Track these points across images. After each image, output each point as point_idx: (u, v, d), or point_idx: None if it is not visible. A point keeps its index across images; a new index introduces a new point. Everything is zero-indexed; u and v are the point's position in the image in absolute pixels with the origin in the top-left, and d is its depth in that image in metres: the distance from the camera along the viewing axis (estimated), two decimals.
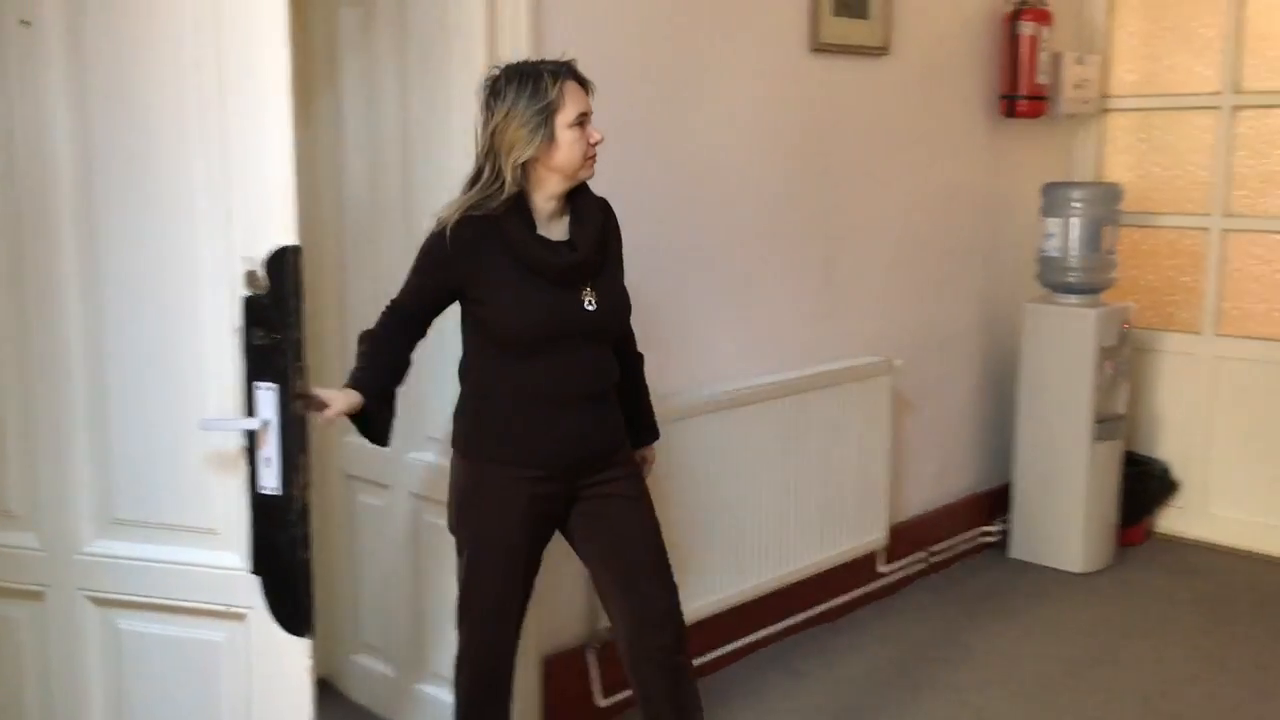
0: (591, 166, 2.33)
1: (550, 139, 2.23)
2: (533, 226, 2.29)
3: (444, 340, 2.44)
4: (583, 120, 2.27)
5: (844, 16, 3.55)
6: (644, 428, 2.61)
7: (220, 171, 2.07)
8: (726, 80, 3.31)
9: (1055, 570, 4.24)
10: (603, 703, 3.12)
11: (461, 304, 2.34)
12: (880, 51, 3.71)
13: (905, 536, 4.08)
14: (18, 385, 2.21)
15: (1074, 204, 4.13)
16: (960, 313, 4.29)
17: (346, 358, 2.50)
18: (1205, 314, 4.46)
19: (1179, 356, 4.54)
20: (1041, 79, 4.19)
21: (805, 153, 3.58)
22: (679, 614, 2.50)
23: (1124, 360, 4.26)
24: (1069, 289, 4.21)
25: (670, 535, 3.08)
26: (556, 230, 2.33)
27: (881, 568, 3.97)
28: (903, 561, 4.07)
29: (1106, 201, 4.18)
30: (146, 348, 2.16)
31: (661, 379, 3.21)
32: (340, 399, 2.22)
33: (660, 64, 3.14)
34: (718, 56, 3.28)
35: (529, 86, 2.23)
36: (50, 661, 2.29)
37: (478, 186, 2.26)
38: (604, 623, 3.06)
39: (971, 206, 4.26)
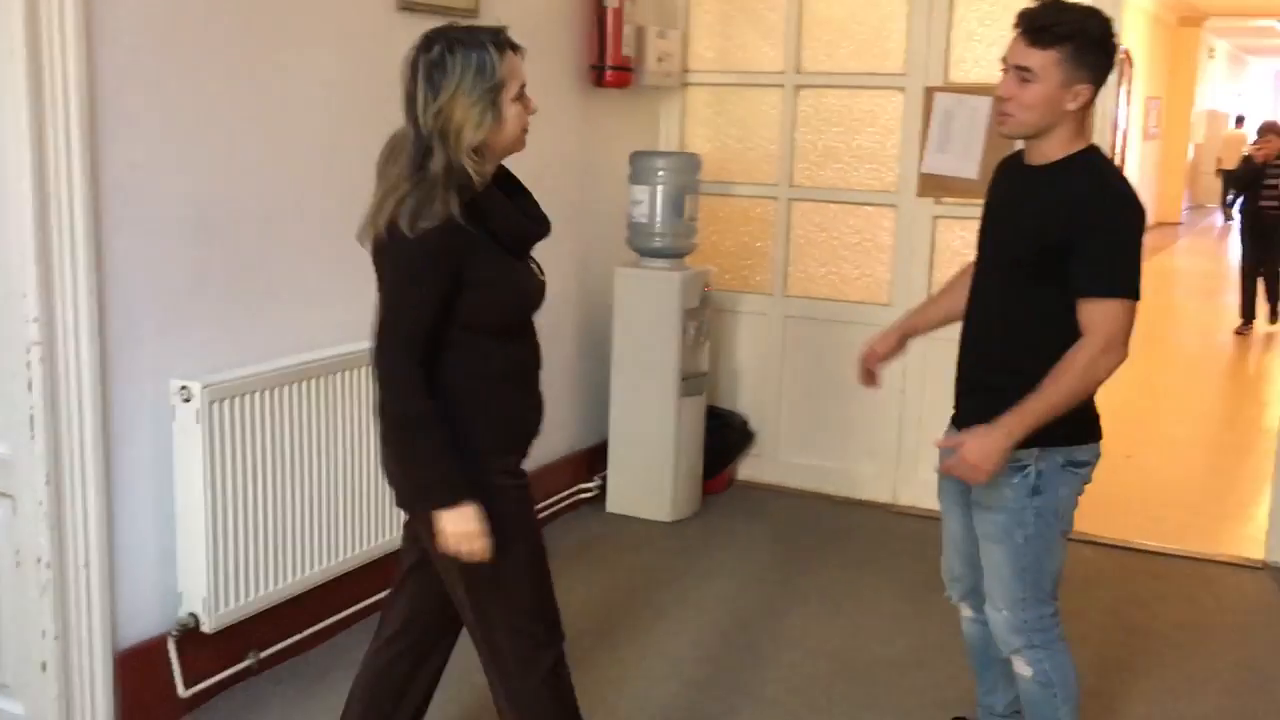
0: (524, 138, 2.19)
1: (498, 118, 2.09)
2: (508, 201, 2.18)
3: None
4: (521, 92, 2.13)
5: None
6: None
7: None
8: (309, 41, 3.17)
9: (648, 521, 4.48)
10: (185, 693, 2.95)
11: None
12: (470, 13, 3.70)
13: None
14: None
15: (658, 172, 4.35)
16: (555, 277, 4.31)
17: None
18: (775, 277, 4.85)
19: (754, 316, 4.91)
20: (627, 51, 4.36)
21: (394, 117, 3.47)
22: None
23: (705, 320, 4.55)
24: (655, 253, 4.43)
25: (258, 508, 2.98)
26: None
27: None
28: None
29: (687, 171, 4.43)
30: None
31: (254, 347, 3.07)
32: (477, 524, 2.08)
33: (234, 26, 2.95)
34: (298, 17, 3.13)
35: (473, 60, 2.05)
36: None
37: (439, 175, 2.04)
38: (185, 608, 2.91)
39: (564, 173, 4.37)
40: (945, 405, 2.66)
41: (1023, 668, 2.56)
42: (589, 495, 4.65)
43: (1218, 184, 18.07)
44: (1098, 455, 2.50)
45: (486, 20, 3.75)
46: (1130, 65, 14.44)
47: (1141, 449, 5.78)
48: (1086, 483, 2.50)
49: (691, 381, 4.48)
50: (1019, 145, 2.50)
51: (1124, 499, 5.00)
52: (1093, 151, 2.40)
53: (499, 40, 2.11)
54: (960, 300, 2.62)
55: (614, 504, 4.58)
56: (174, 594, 2.93)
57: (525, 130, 2.19)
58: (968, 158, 4.39)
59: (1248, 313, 9.39)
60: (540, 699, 2.32)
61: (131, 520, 2.83)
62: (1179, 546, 4.42)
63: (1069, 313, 2.32)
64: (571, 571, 4.00)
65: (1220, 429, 6.37)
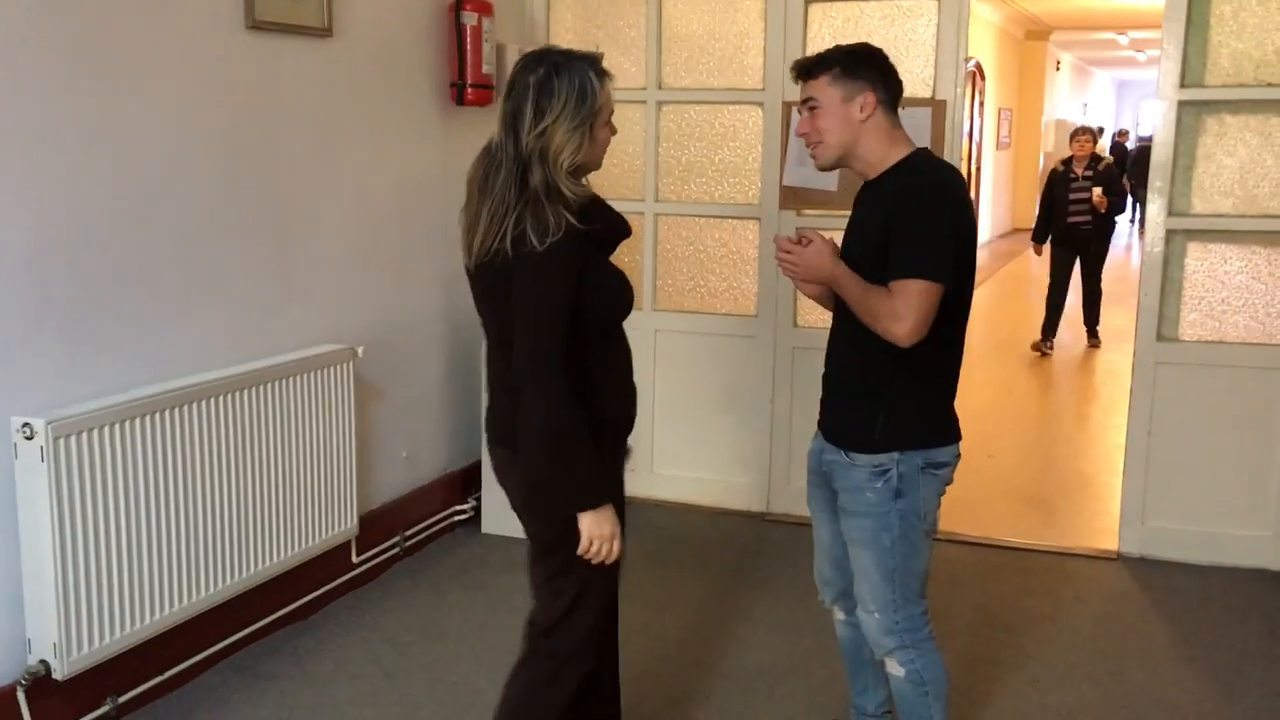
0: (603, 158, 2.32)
1: (592, 141, 2.20)
2: (607, 206, 2.32)
3: None
4: (609, 117, 2.26)
5: None
6: None
7: None
8: (155, 62, 3.07)
9: (523, 541, 4.39)
10: None
11: None
12: (324, 33, 3.63)
13: (379, 523, 4.07)
14: None
15: None
16: (423, 297, 4.34)
17: None
18: (644, 291, 4.87)
19: (627, 331, 4.90)
20: (488, 69, 4.33)
21: (246, 137, 3.42)
22: None
23: None
24: None
25: (110, 548, 2.86)
26: None
27: (355, 558, 3.93)
28: (376, 549, 4.06)
29: None
30: None
31: (102, 379, 2.95)
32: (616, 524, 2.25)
33: (75, 42, 2.84)
34: (143, 37, 3.03)
35: (576, 85, 2.16)
36: None
37: (540, 192, 2.13)
38: (34, 655, 2.77)
39: (428, 192, 4.32)
40: (814, 414, 2.70)
41: (895, 668, 2.61)
42: (464, 517, 4.59)
43: None
44: (957, 456, 2.57)
45: (341, 39, 3.72)
46: (982, 78, 14.99)
47: (1003, 450, 5.98)
48: (948, 484, 2.57)
49: None
50: None
51: (987, 498, 5.17)
52: (917, 154, 2.50)
53: (598, 68, 2.21)
54: None
55: (489, 524, 4.53)
56: (22, 641, 2.79)
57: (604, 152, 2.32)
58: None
59: (1051, 330, 8.69)
60: (560, 697, 2.40)
61: None
62: (1040, 542, 4.57)
63: None
64: (449, 594, 3.95)
65: (1074, 428, 6.62)
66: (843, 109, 2.44)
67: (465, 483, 4.62)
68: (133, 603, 2.95)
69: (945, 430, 2.55)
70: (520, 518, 2.42)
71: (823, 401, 2.65)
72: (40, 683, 2.79)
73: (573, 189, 2.16)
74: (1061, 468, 5.77)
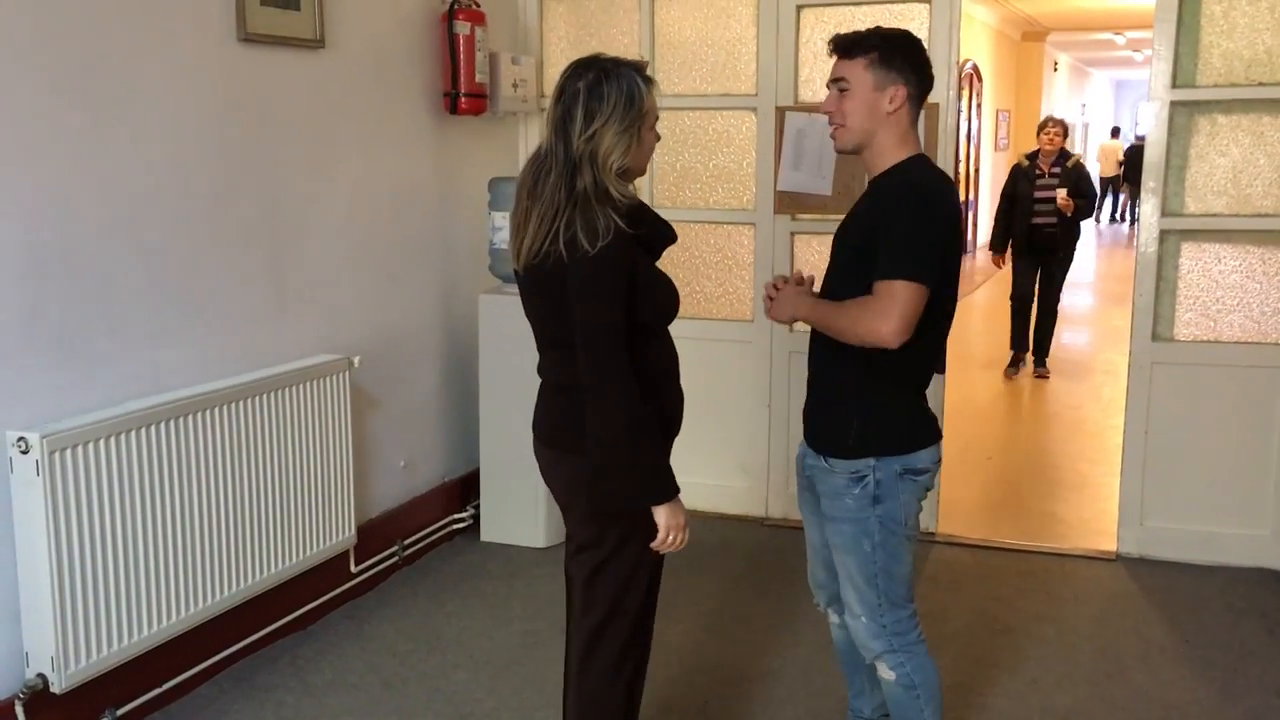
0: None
1: (640, 145, 2.25)
2: (652, 210, 2.38)
3: None
4: (654, 122, 2.30)
5: (273, 7, 3.43)
6: None
7: None
8: (146, 73, 3.08)
9: (522, 548, 4.44)
10: None
11: None
12: (316, 44, 3.65)
13: (377, 533, 4.08)
14: None
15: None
16: (419, 306, 4.35)
17: None
18: None
19: None
20: (480, 77, 4.34)
21: (241, 148, 3.43)
22: None
23: None
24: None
25: (107, 561, 2.86)
26: None
27: (354, 567, 3.93)
28: (375, 558, 4.06)
29: None
30: None
31: (98, 392, 2.96)
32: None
33: (67, 56, 2.85)
34: (136, 50, 3.04)
35: (624, 90, 2.21)
36: None
37: (589, 194, 2.18)
38: (32, 669, 2.78)
39: (422, 201, 4.33)
40: None
41: (886, 672, 2.61)
42: (462, 525, 4.59)
43: None
44: (937, 460, 2.57)
45: (334, 51, 3.73)
46: (979, 80, 15.00)
47: (1001, 451, 5.99)
48: (929, 488, 2.57)
49: None
50: None
51: (985, 500, 5.17)
52: (915, 159, 2.50)
53: (644, 74, 2.28)
54: None
55: (488, 533, 4.54)
56: (19, 654, 2.80)
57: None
58: (821, 175, 4.49)
59: (1020, 344, 7.94)
60: (614, 700, 2.44)
61: None
62: (1038, 543, 4.57)
63: None
64: (448, 603, 3.95)
65: (1072, 429, 6.62)
66: (873, 96, 2.43)
67: (464, 491, 4.63)
68: (130, 615, 2.96)
69: (922, 434, 2.53)
70: (565, 516, 2.47)
71: (805, 405, 2.67)
72: (38, 696, 2.79)
73: (621, 191, 2.22)
74: (1060, 468, 5.76)
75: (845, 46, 2.46)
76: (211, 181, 3.34)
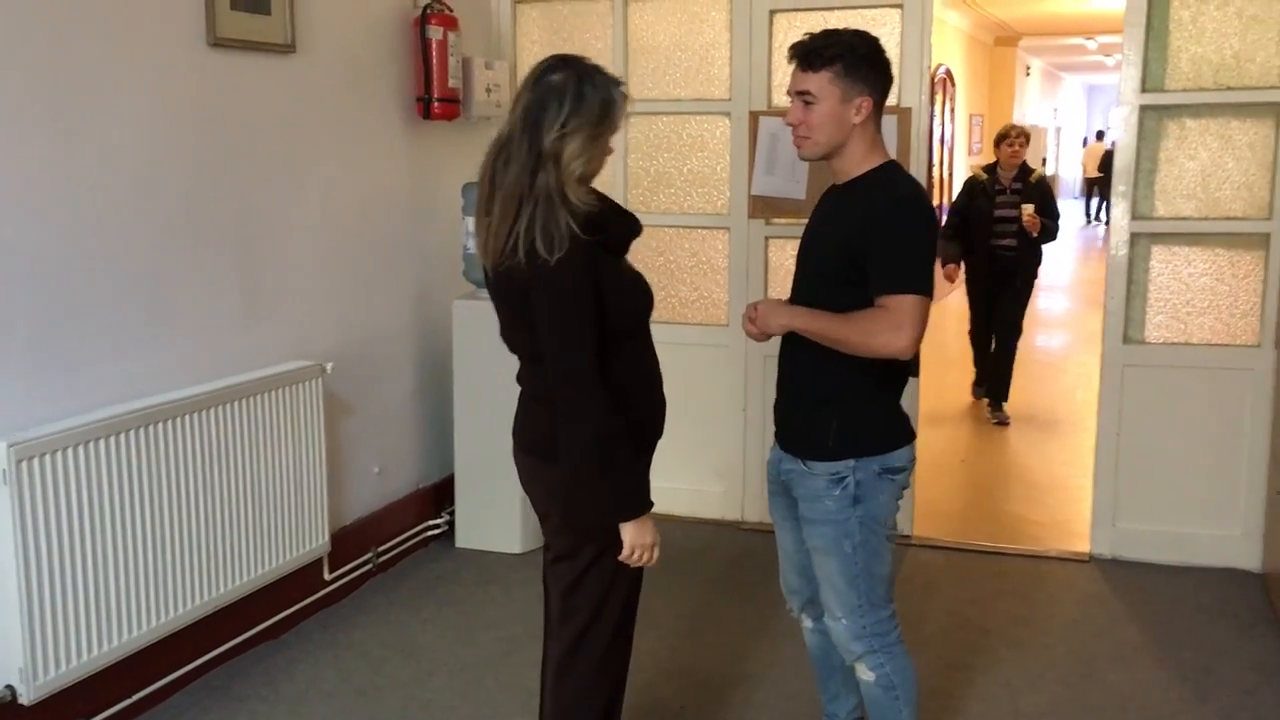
0: None
1: (602, 154, 2.22)
2: (616, 207, 2.34)
3: None
4: (613, 135, 2.27)
5: (243, 11, 3.41)
6: None
7: None
8: (115, 78, 3.06)
9: (498, 554, 4.43)
10: None
11: None
12: (287, 49, 3.63)
13: (351, 539, 4.06)
14: None
15: None
16: (393, 312, 4.33)
17: None
18: None
19: None
20: (453, 82, 4.33)
21: (212, 153, 3.41)
22: None
23: None
24: None
25: (77, 570, 2.83)
26: None
27: (328, 575, 3.91)
28: (349, 565, 4.04)
29: None
30: None
31: (67, 400, 2.93)
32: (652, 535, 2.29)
33: (34, 62, 2.83)
34: (103, 52, 3.02)
35: (601, 99, 2.17)
36: None
37: (548, 194, 2.12)
38: (1, 681, 2.74)
39: (395, 207, 4.31)
40: None
41: (865, 673, 2.61)
42: (437, 532, 4.58)
43: None
44: (912, 459, 2.58)
45: (305, 56, 3.71)
46: (952, 84, 15.08)
47: (975, 454, 6.01)
48: (905, 487, 2.59)
49: None
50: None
51: (959, 503, 5.19)
52: (888, 166, 2.50)
53: (622, 89, 2.24)
54: None
55: (463, 539, 4.52)
56: None
57: None
58: (794, 179, 4.50)
59: (984, 371, 7.10)
60: (591, 711, 2.43)
61: None
62: (1012, 545, 4.59)
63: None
64: (423, 610, 3.93)
65: (1045, 432, 6.65)
66: (840, 109, 2.42)
67: (438, 497, 4.61)
68: (100, 625, 2.93)
69: (899, 434, 2.56)
70: (543, 524, 2.46)
71: (777, 410, 2.67)
72: (7, 708, 2.76)
73: (578, 196, 2.16)
74: (1033, 470, 5.79)
75: (807, 57, 2.42)
76: (182, 187, 3.32)
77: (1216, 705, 3.30)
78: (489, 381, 4.36)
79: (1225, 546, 4.29)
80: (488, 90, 4.56)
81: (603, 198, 2.29)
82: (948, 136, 15.14)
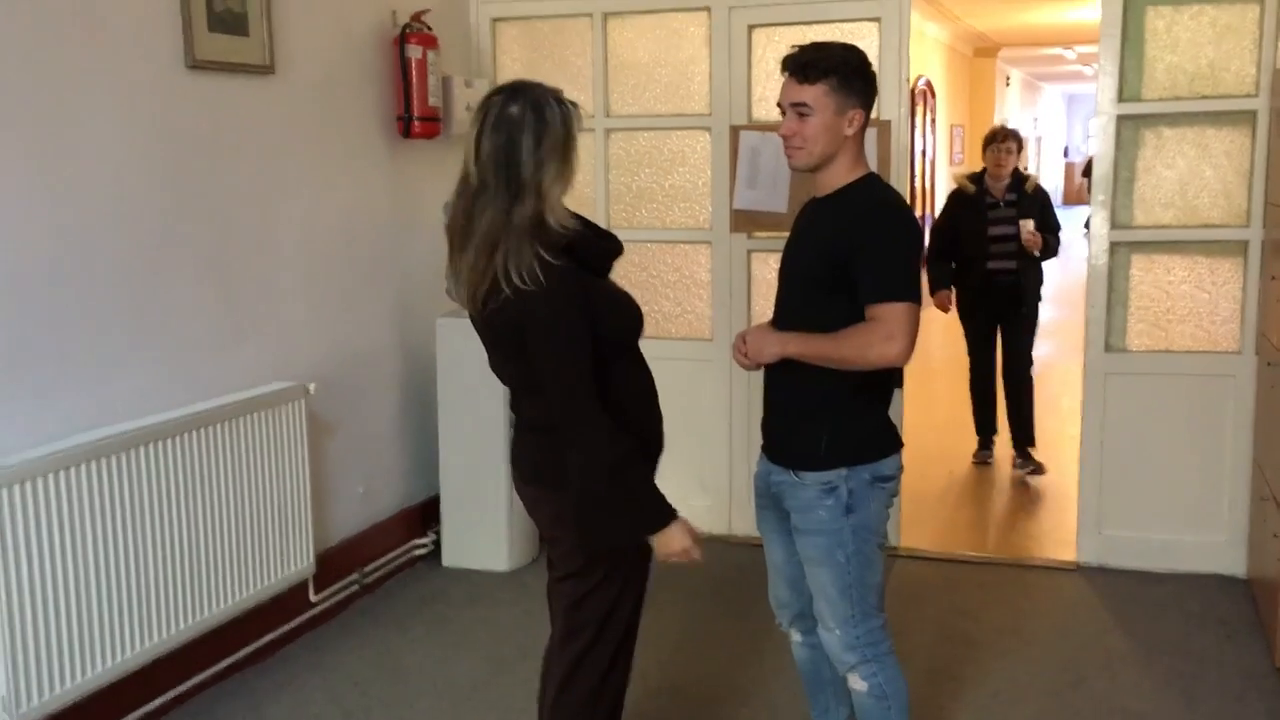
0: None
1: (573, 170, 2.22)
2: (595, 229, 2.32)
3: None
4: None
5: (221, 33, 3.41)
6: None
7: None
8: (94, 100, 3.05)
9: (485, 573, 4.41)
10: None
11: None
12: (266, 70, 3.62)
13: (337, 561, 4.04)
14: None
15: None
16: (375, 332, 4.32)
17: None
18: None
19: None
20: (434, 101, 4.33)
21: (190, 175, 3.40)
22: None
23: None
24: None
25: (59, 597, 2.81)
26: None
27: (313, 596, 3.89)
28: (334, 587, 4.02)
29: None
30: None
31: (46, 425, 2.92)
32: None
33: (11, 83, 2.82)
34: (82, 74, 3.01)
35: (559, 116, 2.18)
36: None
37: (526, 224, 2.12)
38: None
39: (376, 225, 4.31)
40: None
41: (858, 683, 2.61)
42: (424, 551, 4.56)
43: None
44: (900, 468, 2.60)
45: (284, 76, 3.71)
46: (932, 95, 15.15)
47: (961, 464, 6.01)
48: (894, 495, 2.60)
49: None
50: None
51: (946, 513, 5.20)
52: (870, 178, 2.53)
53: (569, 101, 2.24)
54: None
55: (450, 558, 4.50)
56: None
57: None
58: (776, 192, 4.51)
59: (987, 427, 5.95)
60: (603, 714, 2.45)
61: None
62: (999, 555, 4.60)
63: (858, 320, 2.42)
64: (410, 630, 3.91)
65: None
66: (835, 121, 2.44)
67: (424, 516, 4.59)
68: (84, 652, 2.91)
69: (888, 442, 2.57)
70: (551, 547, 2.46)
71: (765, 423, 2.67)
72: None
73: (562, 222, 2.17)
74: (1019, 480, 5.80)
75: (803, 69, 2.44)
76: (161, 208, 3.31)
77: (1204, 711, 3.31)
78: (473, 399, 4.36)
79: (1210, 553, 4.30)
80: (468, 108, 4.56)
81: (583, 220, 2.30)
82: (929, 147, 15.21)
